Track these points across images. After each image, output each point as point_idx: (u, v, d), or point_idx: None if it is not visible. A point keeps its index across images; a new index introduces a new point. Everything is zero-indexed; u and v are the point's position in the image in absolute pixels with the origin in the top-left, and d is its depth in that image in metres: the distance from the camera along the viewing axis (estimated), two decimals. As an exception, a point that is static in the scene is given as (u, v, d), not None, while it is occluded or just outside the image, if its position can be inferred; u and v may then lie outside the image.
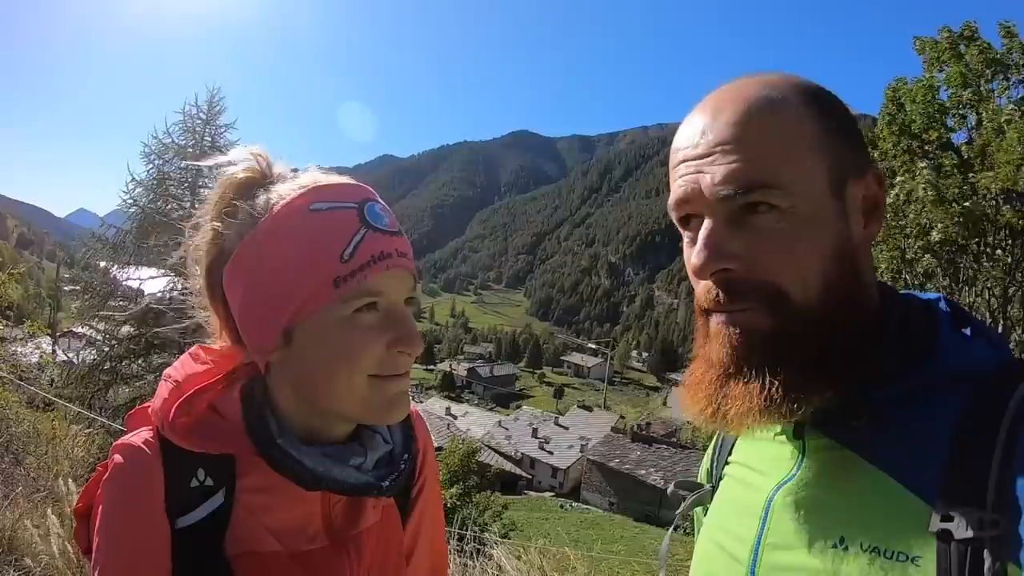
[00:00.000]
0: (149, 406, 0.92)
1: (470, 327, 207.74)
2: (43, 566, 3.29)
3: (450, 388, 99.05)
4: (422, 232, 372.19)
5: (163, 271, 13.07)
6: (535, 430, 52.31)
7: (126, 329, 13.49)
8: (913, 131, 8.64)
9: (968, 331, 0.77)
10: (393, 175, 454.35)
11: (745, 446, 0.94)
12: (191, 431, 0.87)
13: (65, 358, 14.72)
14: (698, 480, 1.04)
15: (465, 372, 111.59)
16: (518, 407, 75.32)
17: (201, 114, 14.18)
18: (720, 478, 0.97)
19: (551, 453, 48.68)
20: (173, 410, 0.87)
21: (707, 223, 0.75)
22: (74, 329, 16.50)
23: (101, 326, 13.70)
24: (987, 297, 8.14)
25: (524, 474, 45.67)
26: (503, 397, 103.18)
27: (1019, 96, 8.14)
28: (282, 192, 0.87)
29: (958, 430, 0.68)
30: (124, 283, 13.74)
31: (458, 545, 5.34)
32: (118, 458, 0.86)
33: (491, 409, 79.30)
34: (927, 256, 8.39)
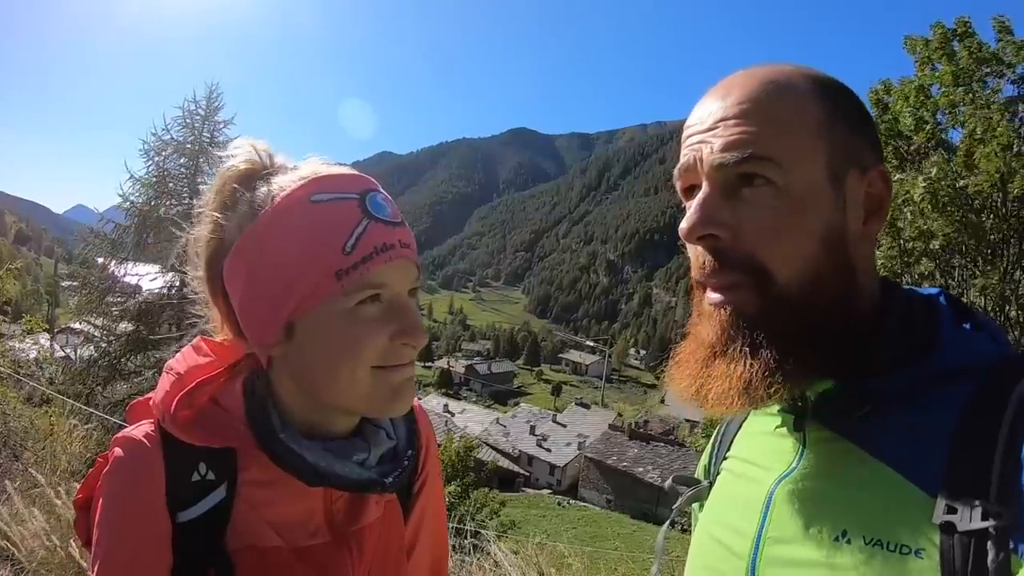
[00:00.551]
0: (150, 398, 0.91)
1: (468, 324, 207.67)
2: (38, 561, 3.29)
3: (448, 385, 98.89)
4: (420, 229, 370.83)
5: (161, 267, 13.07)
6: (533, 427, 52.20)
7: (124, 325, 13.48)
8: (901, 131, 8.58)
9: (969, 325, 0.77)
10: (392, 172, 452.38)
11: (745, 441, 0.94)
12: (193, 424, 0.86)
13: (63, 354, 14.72)
14: (695, 476, 1.03)
15: (463, 369, 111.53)
16: (516, 404, 75.23)
17: (200, 110, 14.16)
18: (718, 473, 0.96)
19: (549, 450, 48.61)
20: (175, 403, 0.86)
21: (703, 189, 0.77)
22: (72, 325, 16.46)
23: (99, 322, 13.69)
24: (984, 301, 8.12)
25: (522, 471, 45.62)
26: (501, 394, 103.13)
27: (1006, 97, 8.04)
28: (282, 183, 0.86)
29: (960, 423, 0.68)
30: (122, 279, 13.72)
31: (456, 541, 5.35)
32: (119, 451, 0.86)
33: (489, 406, 79.10)
34: (924, 260, 8.36)
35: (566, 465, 46.46)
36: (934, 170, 7.62)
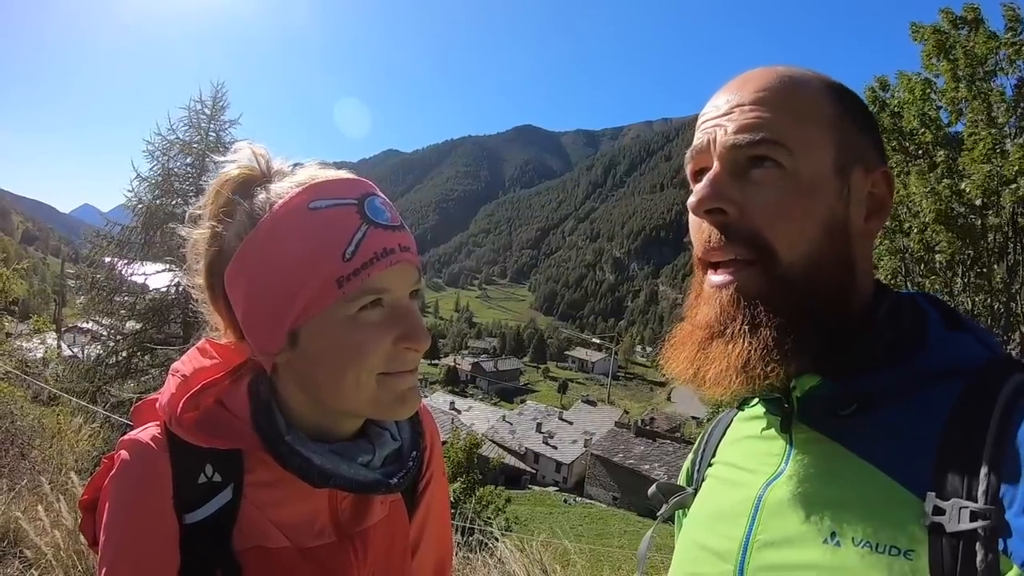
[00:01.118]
0: (155, 399, 0.92)
1: (474, 322, 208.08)
2: (46, 559, 3.31)
3: (454, 383, 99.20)
4: (426, 227, 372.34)
5: (168, 266, 13.10)
6: (539, 425, 52.28)
7: (132, 324, 13.52)
8: (904, 129, 8.47)
9: (957, 328, 0.78)
10: (397, 170, 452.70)
11: (730, 446, 0.94)
12: (199, 426, 0.86)
13: (70, 353, 14.78)
14: (678, 483, 1.03)
15: (469, 367, 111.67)
16: (522, 402, 75.22)
17: (205, 110, 14.14)
18: (702, 480, 0.96)
19: (555, 448, 48.67)
20: (181, 405, 0.86)
21: (714, 167, 0.79)
22: (79, 324, 16.54)
23: (106, 321, 13.73)
24: (984, 307, 8.06)
25: (528, 469, 45.70)
26: (507, 392, 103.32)
27: (1011, 92, 7.92)
28: (280, 190, 0.85)
29: (948, 424, 0.68)
30: (129, 278, 13.76)
31: (461, 539, 5.36)
32: (125, 454, 0.86)
33: (495, 404, 79.33)
34: (931, 276, 8.31)
35: (572, 462, 46.52)
36: (940, 185, 7.56)
